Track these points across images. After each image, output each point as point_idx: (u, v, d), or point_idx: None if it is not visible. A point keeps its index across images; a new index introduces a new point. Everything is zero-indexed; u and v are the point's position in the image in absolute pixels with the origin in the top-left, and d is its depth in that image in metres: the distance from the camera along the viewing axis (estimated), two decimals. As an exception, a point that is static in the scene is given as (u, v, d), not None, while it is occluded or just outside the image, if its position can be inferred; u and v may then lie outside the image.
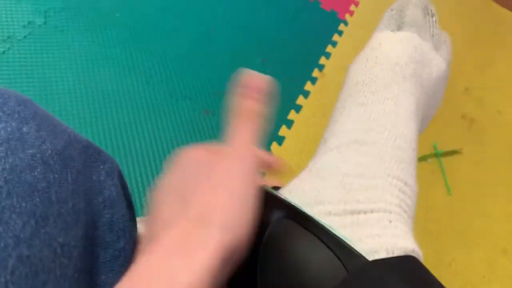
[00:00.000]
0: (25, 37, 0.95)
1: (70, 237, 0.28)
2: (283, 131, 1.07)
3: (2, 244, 0.24)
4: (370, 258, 0.22)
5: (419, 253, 0.24)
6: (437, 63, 0.35)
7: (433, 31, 0.36)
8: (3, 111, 0.28)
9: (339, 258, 0.22)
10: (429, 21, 0.35)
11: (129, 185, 0.87)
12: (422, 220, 1.10)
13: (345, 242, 0.23)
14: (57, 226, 0.27)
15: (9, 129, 0.28)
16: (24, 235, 0.25)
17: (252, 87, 0.29)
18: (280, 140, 1.05)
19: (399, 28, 0.35)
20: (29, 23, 0.97)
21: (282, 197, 0.26)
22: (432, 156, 1.22)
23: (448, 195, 1.16)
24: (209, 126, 1.01)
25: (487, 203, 1.17)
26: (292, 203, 0.25)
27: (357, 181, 0.26)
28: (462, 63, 1.45)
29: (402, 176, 0.26)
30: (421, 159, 1.21)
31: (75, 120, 0.90)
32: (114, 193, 0.34)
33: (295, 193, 0.27)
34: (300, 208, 0.25)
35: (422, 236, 1.07)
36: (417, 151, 0.30)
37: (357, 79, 0.32)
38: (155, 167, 0.91)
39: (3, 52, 0.92)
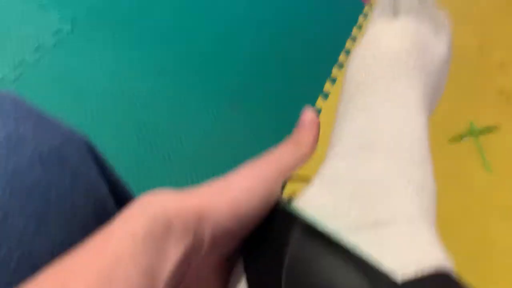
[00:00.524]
0: (54, 45, 0.99)
1: (68, 234, 0.29)
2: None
3: (5, 246, 0.25)
4: (399, 277, 0.20)
5: (447, 265, 0.22)
6: (439, 48, 0.33)
7: (430, 13, 0.33)
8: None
9: (368, 281, 0.21)
10: (426, 2, 0.33)
11: (158, 186, 0.89)
12: (461, 201, 1.07)
13: (371, 262, 0.21)
14: (56, 225, 0.28)
15: (7, 130, 0.28)
16: (26, 236, 0.26)
17: (307, 124, 0.31)
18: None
19: (395, 14, 0.32)
20: (57, 31, 1.01)
21: (299, 212, 0.25)
22: (468, 135, 1.18)
23: (486, 173, 1.12)
24: (234, 123, 1.02)
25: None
26: (311, 220, 0.24)
27: (373, 190, 0.24)
28: (497, 36, 1.39)
29: (418, 178, 0.25)
30: (457, 138, 1.17)
31: (106, 122, 0.92)
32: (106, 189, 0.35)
33: (310, 206, 0.25)
34: (320, 226, 0.24)
35: (463, 217, 1.05)
36: (431, 142, 0.28)
37: (357, 80, 0.30)
38: (184, 167, 0.93)
39: (36, 62, 0.96)
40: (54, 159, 0.30)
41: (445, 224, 1.04)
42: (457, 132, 1.18)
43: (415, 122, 0.27)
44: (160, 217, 0.21)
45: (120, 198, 0.38)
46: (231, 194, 0.24)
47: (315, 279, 0.22)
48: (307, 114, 0.31)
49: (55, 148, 0.30)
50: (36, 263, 0.26)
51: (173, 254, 0.21)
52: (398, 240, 0.22)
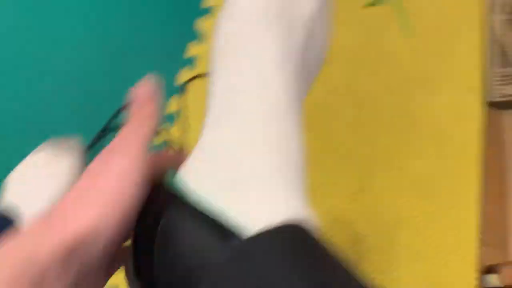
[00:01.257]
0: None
1: None
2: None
3: None
4: (248, 232, 0.21)
5: (303, 218, 0.23)
6: (307, 2, 0.31)
7: None
8: None
9: (219, 239, 0.21)
10: None
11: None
12: (379, 73, 1.02)
13: (221, 221, 0.22)
14: None
15: None
16: None
17: (140, 100, 0.28)
18: None
19: None
20: None
21: (171, 184, 0.26)
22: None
23: (407, 41, 1.06)
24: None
25: (452, 42, 1.07)
26: (176, 190, 0.25)
27: (234, 153, 0.25)
28: None
29: (272, 137, 0.26)
30: (375, 2, 1.08)
31: None
32: None
33: (189, 172, 0.26)
34: (184, 194, 0.24)
35: (384, 90, 1.01)
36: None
37: (217, 44, 0.30)
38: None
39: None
40: None
41: (365, 97, 1.00)
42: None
43: (273, 77, 0.27)
44: (32, 266, 0.19)
45: None
46: (97, 210, 0.23)
47: (179, 247, 0.22)
48: (141, 89, 0.29)
49: None
50: None
51: None
52: (251, 198, 0.23)
